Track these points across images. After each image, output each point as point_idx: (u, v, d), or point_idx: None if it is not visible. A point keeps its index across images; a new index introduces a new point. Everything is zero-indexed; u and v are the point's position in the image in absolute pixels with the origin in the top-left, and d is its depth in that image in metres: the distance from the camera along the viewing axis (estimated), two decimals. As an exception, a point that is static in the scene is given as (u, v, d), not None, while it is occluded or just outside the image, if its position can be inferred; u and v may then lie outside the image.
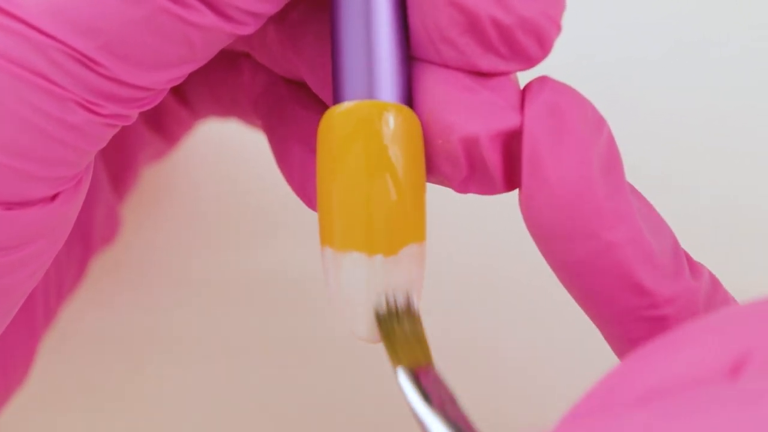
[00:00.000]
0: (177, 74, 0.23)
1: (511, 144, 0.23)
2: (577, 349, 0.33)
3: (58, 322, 0.33)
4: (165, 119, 0.31)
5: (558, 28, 0.23)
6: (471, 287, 0.34)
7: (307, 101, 0.26)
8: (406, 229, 0.23)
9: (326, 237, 0.23)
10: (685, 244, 0.23)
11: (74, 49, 0.21)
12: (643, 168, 0.34)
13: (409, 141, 0.23)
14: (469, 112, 0.23)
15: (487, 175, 0.23)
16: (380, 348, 0.33)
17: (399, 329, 0.23)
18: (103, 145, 0.23)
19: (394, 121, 0.22)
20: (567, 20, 0.23)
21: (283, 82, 0.26)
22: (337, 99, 0.23)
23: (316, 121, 0.25)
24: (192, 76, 0.30)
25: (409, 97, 0.23)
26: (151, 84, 0.22)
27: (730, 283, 0.24)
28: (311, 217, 0.34)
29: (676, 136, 0.35)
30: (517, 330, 0.34)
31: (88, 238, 0.31)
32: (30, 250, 0.23)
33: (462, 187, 0.24)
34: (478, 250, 0.34)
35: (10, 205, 0.22)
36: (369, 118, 0.22)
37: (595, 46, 0.36)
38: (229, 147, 0.35)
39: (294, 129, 0.26)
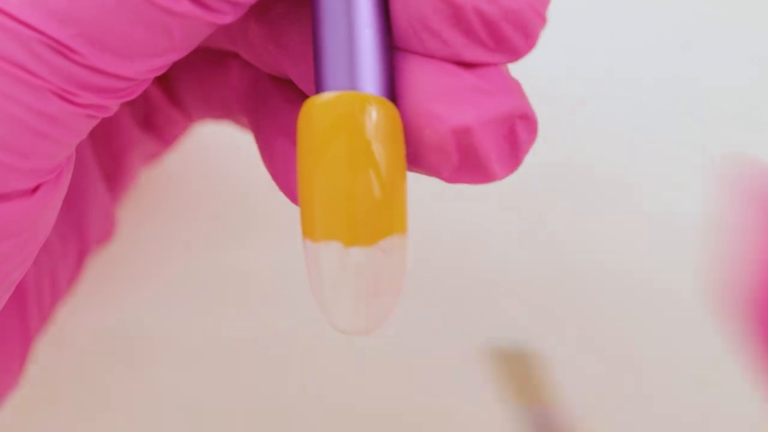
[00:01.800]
0: (156, 64, 0.22)
1: (504, 129, 0.23)
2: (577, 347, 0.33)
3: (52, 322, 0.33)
4: (156, 118, 0.31)
5: (544, 21, 0.23)
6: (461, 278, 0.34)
7: (292, 95, 0.26)
8: (387, 220, 0.22)
9: (307, 229, 0.23)
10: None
11: (49, 37, 0.21)
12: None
13: (391, 134, 0.22)
14: (458, 101, 0.22)
15: (479, 163, 0.23)
16: (374, 346, 0.33)
17: (520, 368, 0.23)
18: (82, 137, 0.23)
19: (376, 114, 0.22)
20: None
21: (267, 78, 0.26)
22: (318, 89, 0.23)
23: (298, 112, 0.24)
24: (182, 76, 0.30)
25: (391, 88, 0.23)
26: (129, 73, 0.22)
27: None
28: None
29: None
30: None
31: (83, 237, 0.31)
32: (10, 243, 0.23)
33: (453, 178, 0.23)
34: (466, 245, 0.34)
35: None
36: (351, 110, 0.22)
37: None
38: (224, 146, 0.35)
39: (278, 124, 0.25)
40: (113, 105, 0.23)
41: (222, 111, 0.30)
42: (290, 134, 0.25)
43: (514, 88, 0.23)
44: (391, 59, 0.23)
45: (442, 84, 0.23)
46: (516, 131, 0.23)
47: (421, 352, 0.33)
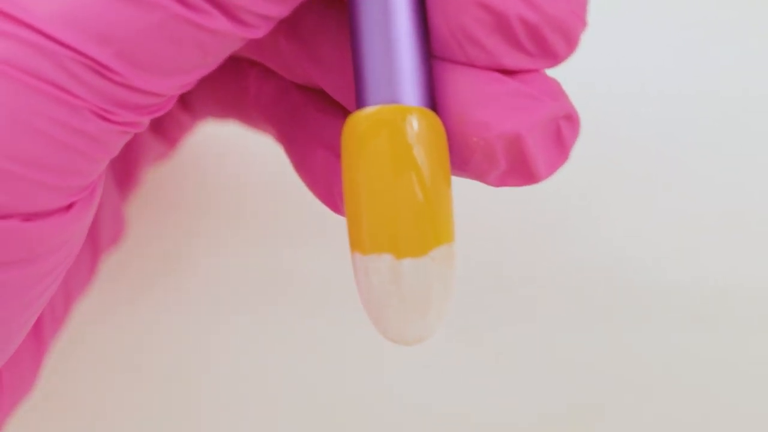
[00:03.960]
0: (189, 80, 0.22)
1: (550, 131, 0.23)
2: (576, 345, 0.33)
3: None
4: (166, 122, 0.31)
5: (583, 24, 0.23)
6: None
7: (324, 105, 0.26)
8: (434, 230, 0.23)
9: (355, 242, 0.23)
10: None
11: (87, 57, 0.21)
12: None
13: (434, 143, 0.22)
14: (504, 108, 0.23)
15: (527, 166, 0.23)
16: (388, 349, 0.33)
17: None
18: (116, 153, 0.23)
19: (418, 124, 0.22)
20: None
21: (295, 88, 0.26)
22: (359, 104, 0.23)
23: (337, 125, 0.25)
24: (197, 85, 0.30)
25: (432, 98, 0.23)
26: (163, 90, 0.22)
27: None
28: (314, 218, 0.34)
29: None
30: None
31: (95, 240, 0.30)
32: (48, 262, 0.23)
33: (500, 182, 0.24)
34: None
35: (27, 216, 0.22)
36: (393, 121, 0.22)
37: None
38: (232, 148, 0.35)
39: (314, 135, 0.25)
40: (145, 121, 0.23)
41: (236, 115, 0.30)
42: (328, 145, 0.25)
43: (556, 89, 0.23)
44: (431, 69, 0.23)
45: (486, 91, 0.23)
46: (561, 131, 0.23)
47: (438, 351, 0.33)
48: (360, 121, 0.22)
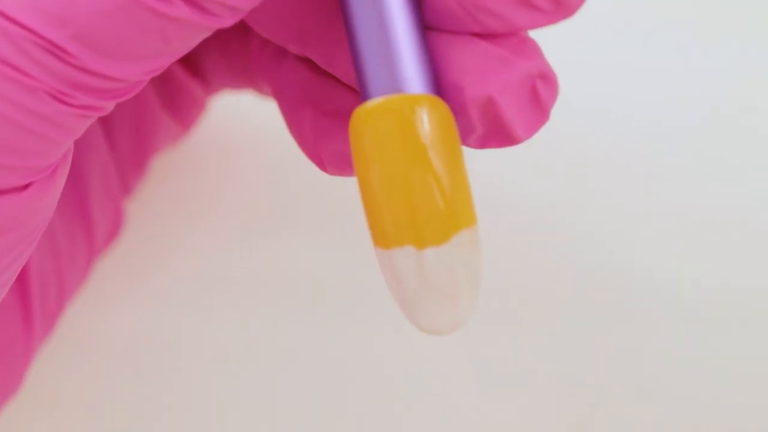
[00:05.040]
0: (153, 66, 0.22)
1: (524, 92, 0.23)
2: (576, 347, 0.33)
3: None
4: (179, 98, 0.31)
5: None
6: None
7: (314, 66, 0.25)
8: (452, 216, 0.22)
9: (377, 238, 0.23)
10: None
11: (44, 39, 0.21)
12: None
13: (444, 128, 0.22)
14: (480, 71, 0.23)
15: (504, 129, 0.23)
16: (388, 349, 0.33)
17: None
18: (77, 135, 0.22)
19: (427, 113, 0.22)
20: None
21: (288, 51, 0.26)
22: (364, 96, 0.23)
23: (323, 83, 0.25)
24: (207, 48, 0.30)
25: (434, 79, 0.23)
26: (123, 75, 0.22)
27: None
28: (317, 214, 0.34)
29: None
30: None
31: (91, 237, 0.30)
32: (5, 239, 0.22)
33: (480, 144, 0.24)
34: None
35: None
36: (399, 112, 0.22)
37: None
38: (235, 145, 0.35)
39: (303, 92, 0.25)
40: (108, 105, 0.22)
41: (244, 77, 0.30)
42: (317, 103, 0.25)
43: (531, 48, 0.23)
44: (428, 46, 0.23)
45: (467, 57, 0.23)
46: (537, 92, 0.23)
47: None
48: (366, 115, 0.22)
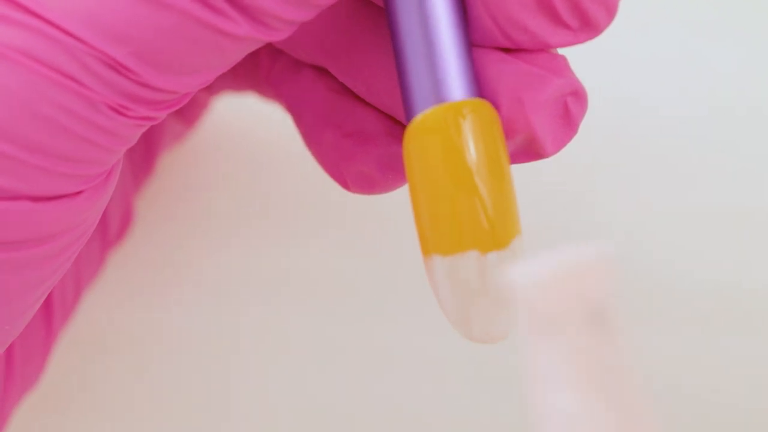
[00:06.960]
0: (208, 78, 0.22)
1: (557, 109, 0.23)
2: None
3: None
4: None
5: None
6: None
7: (334, 85, 0.26)
8: (512, 221, 0.23)
9: (432, 245, 0.23)
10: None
11: (105, 54, 0.21)
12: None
13: (489, 133, 0.23)
14: (513, 89, 0.23)
15: (534, 144, 0.23)
16: (388, 349, 0.33)
17: None
18: (133, 143, 0.23)
19: (471, 124, 0.22)
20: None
21: (305, 66, 0.26)
22: (411, 113, 0.23)
23: (346, 106, 0.25)
24: None
25: (478, 89, 0.23)
26: (181, 88, 0.22)
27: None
28: (322, 217, 0.34)
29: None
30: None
31: (105, 231, 0.31)
32: (55, 244, 0.23)
33: (511, 160, 0.24)
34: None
35: (37, 199, 0.22)
36: (446, 134, 0.22)
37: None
38: (241, 147, 0.35)
39: (323, 115, 0.26)
40: (163, 115, 0.23)
41: (251, 89, 0.30)
42: (337, 126, 0.25)
43: (562, 65, 0.24)
44: (472, 59, 0.23)
45: (502, 74, 0.23)
46: (568, 108, 0.23)
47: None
48: (414, 131, 0.23)
